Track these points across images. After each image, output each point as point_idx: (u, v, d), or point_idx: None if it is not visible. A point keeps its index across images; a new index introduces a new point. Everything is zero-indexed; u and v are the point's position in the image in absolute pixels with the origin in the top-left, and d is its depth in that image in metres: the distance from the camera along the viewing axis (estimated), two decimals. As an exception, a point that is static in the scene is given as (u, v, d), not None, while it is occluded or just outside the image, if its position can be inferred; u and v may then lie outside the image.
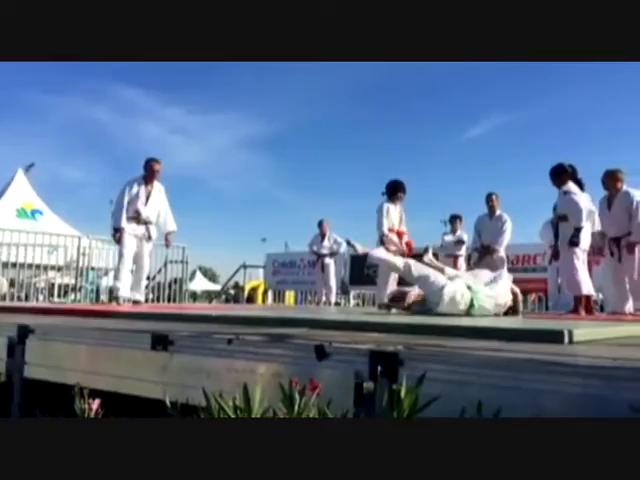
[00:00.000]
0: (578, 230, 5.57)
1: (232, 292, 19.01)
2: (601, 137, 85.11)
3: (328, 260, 10.17)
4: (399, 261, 4.67)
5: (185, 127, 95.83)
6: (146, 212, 6.47)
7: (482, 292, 4.13)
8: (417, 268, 4.39)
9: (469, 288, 4.12)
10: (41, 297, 10.96)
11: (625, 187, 6.00)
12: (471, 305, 4.04)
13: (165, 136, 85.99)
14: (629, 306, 5.88)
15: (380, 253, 5.08)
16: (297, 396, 1.42)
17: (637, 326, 3.34)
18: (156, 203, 6.58)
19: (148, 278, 8.49)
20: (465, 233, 8.89)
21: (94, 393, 1.87)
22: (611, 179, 6.06)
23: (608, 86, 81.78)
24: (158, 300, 10.50)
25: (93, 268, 10.55)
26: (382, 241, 6.75)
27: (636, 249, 5.84)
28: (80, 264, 10.24)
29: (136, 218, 6.42)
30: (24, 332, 2.78)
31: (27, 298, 9.82)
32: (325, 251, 10.20)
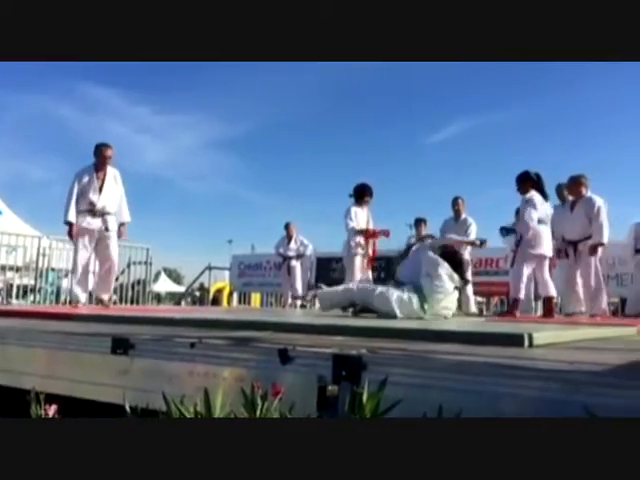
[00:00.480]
0: (522, 238, 5.67)
1: (197, 294, 18.82)
2: (568, 141, 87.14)
3: (294, 262, 10.16)
4: (340, 290, 4.74)
5: (151, 127, 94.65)
6: (101, 202, 5.92)
7: (426, 287, 4.23)
8: (359, 287, 4.63)
9: (414, 289, 4.24)
10: (-1, 298, 10.65)
11: (589, 193, 6.14)
12: (422, 303, 4.17)
13: (131, 135, 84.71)
14: (585, 307, 6.04)
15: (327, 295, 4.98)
16: (259, 401, 1.41)
17: (593, 329, 3.43)
18: (112, 191, 6.02)
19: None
20: (430, 237, 9.00)
21: (51, 398, 1.82)
22: (575, 184, 6.21)
23: (576, 90, 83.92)
24: (121, 302, 10.31)
25: (53, 269, 10.30)
26: (364, 233, 6.90)
27: (597, 251, 5.98)
28: (40, 265, 9.99)
29: (91, 210, 5.89)
30: (-22, 335, 2.70)
31: (-16, 300, 9.54)
32: (291, 253, 10.19)
